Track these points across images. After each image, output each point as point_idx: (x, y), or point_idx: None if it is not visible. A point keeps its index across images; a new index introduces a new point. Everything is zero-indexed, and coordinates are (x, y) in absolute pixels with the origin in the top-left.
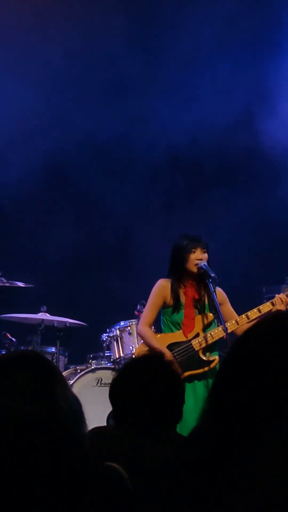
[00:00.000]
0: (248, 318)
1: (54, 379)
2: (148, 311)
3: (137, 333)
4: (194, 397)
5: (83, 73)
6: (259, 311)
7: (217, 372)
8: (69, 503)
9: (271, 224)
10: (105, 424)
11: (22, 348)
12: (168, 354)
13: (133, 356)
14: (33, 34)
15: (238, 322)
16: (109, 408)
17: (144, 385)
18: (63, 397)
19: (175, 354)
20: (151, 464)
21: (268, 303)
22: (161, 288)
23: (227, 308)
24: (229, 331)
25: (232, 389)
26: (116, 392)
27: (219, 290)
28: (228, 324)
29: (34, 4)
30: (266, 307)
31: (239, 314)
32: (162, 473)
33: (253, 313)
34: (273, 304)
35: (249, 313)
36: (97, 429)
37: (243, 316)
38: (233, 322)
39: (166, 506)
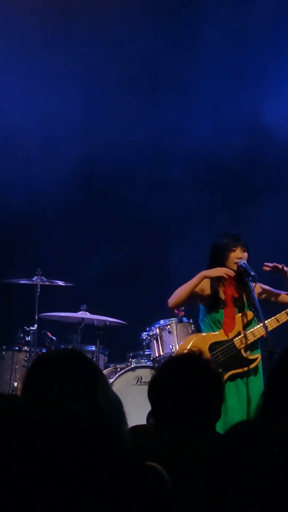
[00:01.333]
0: None
1: (95, 378)
2: None
3: (169, 303)
4: (238, 396)
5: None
6: None
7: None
8: (109, 503)
9: None
10: (145, 422)
11: (62, 346)
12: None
13: (172, 355)
14: (63, 38)
15: (278, 320)
16: (149, 407)
17: (182, 383)
18: (104, 396)
19: (218, 353)
20: (191, 463)
21: None
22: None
23: (272, 293)
24: (269, 329)
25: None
26: (155, 391)
27: (257, 285)
28: (268, 322)
29: (60, 8)
30: None
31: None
32: (202, 473)
33: None
34: None
35: None
36: (137, 428)
37: (283, 313)
38: (274, 319)
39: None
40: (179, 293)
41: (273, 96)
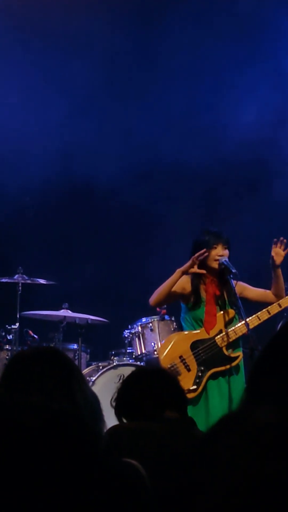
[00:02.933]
0: (269, 313)
1: (72, 375)
2: None
3: (150, 302)
4: (220, 394)
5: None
6: (280, 306)
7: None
8: (85, 500)
9: None
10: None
11: (44, 345)
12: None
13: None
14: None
15: (259, 318)
16: None
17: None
18: (81, 393)
19: (200, 351)
20: (173, 460)
21: (287, 298)
22: (181, 280)
23: (252, 291)
24: (251, 327)
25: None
26: (121, 405)
27: (238, 283)
28: (249, 320)
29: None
30: (285, 302)
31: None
32: (182, 468)
33: (274, 308)
34: None
35: (269, 308)
36: (116, 428)
37: (264, 311)
38: (255, 317)
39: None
40: (159, 292)
41: (231, 101)
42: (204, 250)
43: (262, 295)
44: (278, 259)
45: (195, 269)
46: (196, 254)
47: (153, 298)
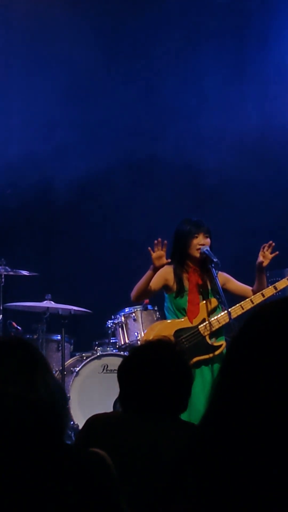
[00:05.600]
0: (252, 302)
1: (36, 366)
2: None
3: (132, 297)
4: (202, 383)
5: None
6: (263, 295)
7: (223, 356)
8: (48, 492)
9: (273, 208)
10: (111, 410)
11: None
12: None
13: (143, 340)
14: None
15: (243, 307)
16: (115, 394)
17: (153, 369)
18: (44, 385)
19: (183, 340)
20: (155, 449)
21: (271, 287)
22: (163, 270)
23: (234, 284)
24: (233, 316)
25: (237, 373)
26: (124, 374)
27: (220, 272)
28: (233, 309)
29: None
30: (269, 291)
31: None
32: (164, 458)
33: (257, 298)
34: (275, 288)
35: (253, 297)
36: (97, 416)
37: (248, 300)
38: (238, 306)
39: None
40: (137, 288)
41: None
42: (160, 240)
43: (243, 291)
44: (265, 263)
45: (163, 261)
46: (156, 243)
47: (133, 294)
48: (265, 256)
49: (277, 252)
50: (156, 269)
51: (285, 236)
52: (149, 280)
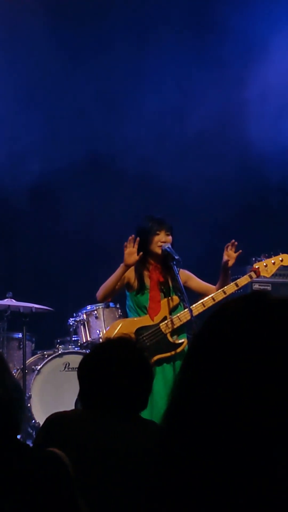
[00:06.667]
0: (213, 300)
1: None
2: None
3: (97, 297)
4: (164, 381)
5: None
6: (224, 292)
7: (185, 354)
8: (6, 492)
9: (236, 205)
10: (73, 408)
11: None
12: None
13: (105, 338)
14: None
15: (204, 304)
16: (77, 392)
17: (113, 367)
18: (0, 383)
19: (144, 338)
20: (115, 446)
21: (233, 284)
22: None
23: (196, 282)
24: (195, 313)
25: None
26: (85, 372)
27: (182, 270)
28: (194, 306)
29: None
30: (231, 288)
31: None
32: (125, 455)
33: (218, 295)
34: (237, 286)
35: (214, 295)
36: (57, 414)
37: (209, 298)
38: (200, 304)
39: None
40: (105, 287)
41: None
42: (133, 237)
43: (205, 289)
44: (231, 262)
45: (135, 257)
46: (128, 241)
47: (100, 294)
48: (229, 255)
49: (240, 251)
50: (127, 266)
51: (246, 234)
52: (119, 278)
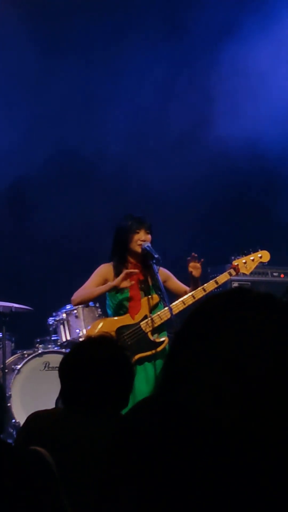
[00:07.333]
0: (194, 297)
1: None
2: (83, 286)
3: (73, 301)
4: (146, 379)
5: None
6: (204, 290)
7: (166, 352)
8: None
9: (214, 203)
10: (53, 407)
11: None
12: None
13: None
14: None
15: (184, 302)
16: (57, 392)
17: (94, 365)
18: None
19: (125, 337)
20: (95, 445)
21: (212, 282)
22: (103, 269)
23: (174, 283)
24: (175, 312)
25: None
26: (66, 370)
27: (161, 269)
28: (174, 305)
29: None
30: (210, 286)
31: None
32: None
33: (198, 292)
34: (217, 283)
35: (194, 293)
36: (38, 413)
37: (189, 295)
38: (180, 302)
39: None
40: (85, 296)
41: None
42: (133, 271)
43: (181, 291)
44: (197, 272)
45: (126, 285)
46: (129, 270)
47: (76, 300)
48: (193, 267)
49: (202, 260)
50: (115, 288)
51: (225, 231)
52: (102, 293)
